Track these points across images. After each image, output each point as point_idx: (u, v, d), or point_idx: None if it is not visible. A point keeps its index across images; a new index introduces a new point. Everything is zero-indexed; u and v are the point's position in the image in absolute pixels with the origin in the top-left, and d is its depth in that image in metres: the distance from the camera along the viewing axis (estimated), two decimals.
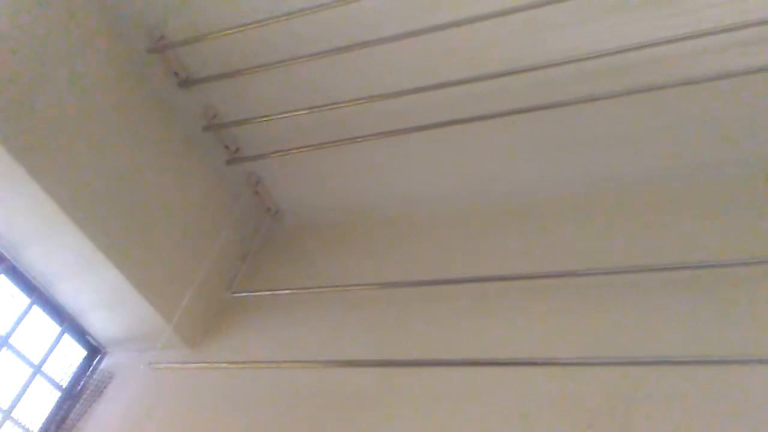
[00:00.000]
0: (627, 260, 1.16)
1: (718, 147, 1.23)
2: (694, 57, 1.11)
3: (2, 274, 1.33)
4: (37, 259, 1.32)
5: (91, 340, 1.51)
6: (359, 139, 1.36)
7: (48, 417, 1.40)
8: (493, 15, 1.09)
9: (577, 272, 1.15)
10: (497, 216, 1.42)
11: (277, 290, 1.44)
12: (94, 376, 1.48)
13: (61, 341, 1.44)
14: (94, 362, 1.52)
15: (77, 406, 1.42)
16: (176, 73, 1.34)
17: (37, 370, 1.38)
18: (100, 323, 1.47)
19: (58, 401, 1.42)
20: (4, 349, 1.32)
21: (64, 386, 1.44)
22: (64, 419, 1.40)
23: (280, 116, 1.36)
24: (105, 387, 1.45)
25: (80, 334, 1.48)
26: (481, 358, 1.09)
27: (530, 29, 1.14)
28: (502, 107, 1.23)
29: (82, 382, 1.47)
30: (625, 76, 1.15)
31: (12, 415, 1.33)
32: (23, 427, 1.35)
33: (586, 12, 1.09)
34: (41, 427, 1.38)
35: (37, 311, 1.40)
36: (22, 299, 1.37)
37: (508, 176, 1.42)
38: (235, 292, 1.45)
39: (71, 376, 1.46)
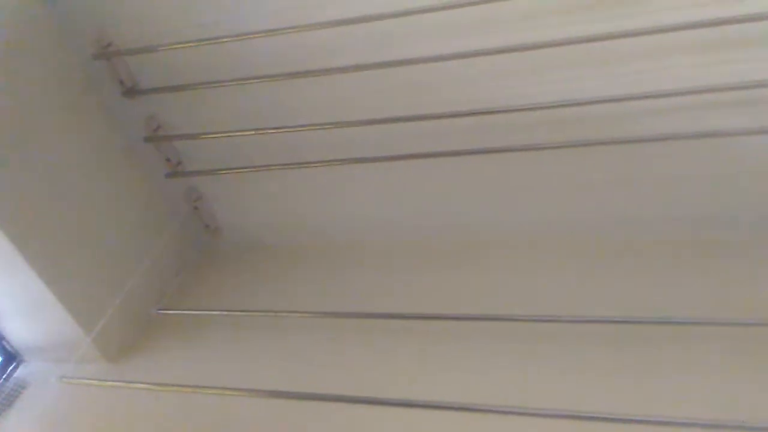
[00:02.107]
0: (559, 308, 1.15)
1: (652, 203, 1.26)
2: (631, 117, 1.13)
3: None
4: None
5: (7, 346, 1.45)
6: (306, 165, 1.36)
7: None
8: (449, 57, 1.10)
9: (513, 317, 1.15)
10: (439, 252, 1.42)
11: (206, 311, 1.41)
12: (7, 384, 1.42)
13: None
14: (9, 370, 1.45)
15: None
16: (122, 81, 1.31)
17: None
18: (18, 329, 1.41)
19: None
20: None
21: None
22: None
23: (225, 134, 1.35)
24: (17, 397, 1.39)
25: None
26: (411, 400, 1.07)
27: (485, 73, 1.15)
28: (452, 146, 1.23)
29: None
30: (575, 127, 1.16)
31: None
32: None
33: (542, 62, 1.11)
34: None
35: None
36: None
37: (453, 213, 1.41)
38: (163, 309, 1.41)
39: None
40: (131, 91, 1.32)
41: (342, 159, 1.33)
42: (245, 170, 1.40)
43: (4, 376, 1.44)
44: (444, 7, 1.04)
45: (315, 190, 1.46)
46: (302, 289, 1.44)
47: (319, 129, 1.28)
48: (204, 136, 1.37)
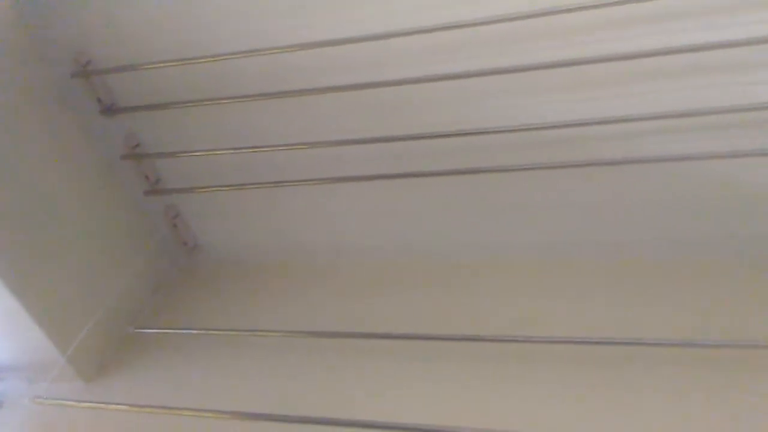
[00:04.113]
0: (534, 330, 1.16)
1: (630, 225, 1.27)
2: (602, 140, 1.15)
3: None
4: None
5: None
6: (285, 184, 1.36)
7: None
8: (430, 79, 1.11)
9: (497, 338, 1.16)
10: (420, 272, 1.42)
11: (184, 329, 1.40)
12: None
13: None
14: None
15: None
16: (100, 100, 1.31)
17: None
18: None
19: None
20: None
21: None
22: None
23: (204, 153, 1.35)
24: None
25: None
26: (395, 423, 1.05)
27: (466, 95, 1.16)
28: (432, 166, 1.24)
29: None
30: (557, 149, 1.18)
31: None
32: None
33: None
34: None
35: None
36: None
37: (434, 234, 1.42)
38: (140, 328, 1.40)
39: None
40: (110, 110, 1.32)
41: (321, 178, 1.33)
42: (224, 188, 1.40)
43: None
44: (424, 31, 1.05)
45: (294, 208, 1.46)
46: (281, 307, 1.44)
47: (297, 148, 1.29)
48: (183, 154, 1.37)
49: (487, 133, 1.16)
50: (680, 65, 1.03)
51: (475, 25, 1.02)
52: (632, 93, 1.08)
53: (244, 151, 1.32)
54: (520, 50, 1.07)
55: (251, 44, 1.16)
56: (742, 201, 1.18)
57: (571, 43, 1.04)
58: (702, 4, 0.96)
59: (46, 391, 1.29)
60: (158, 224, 1.54)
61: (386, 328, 1.24)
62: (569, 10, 0.97)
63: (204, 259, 1.62)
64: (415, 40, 1.07)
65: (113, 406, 1.25)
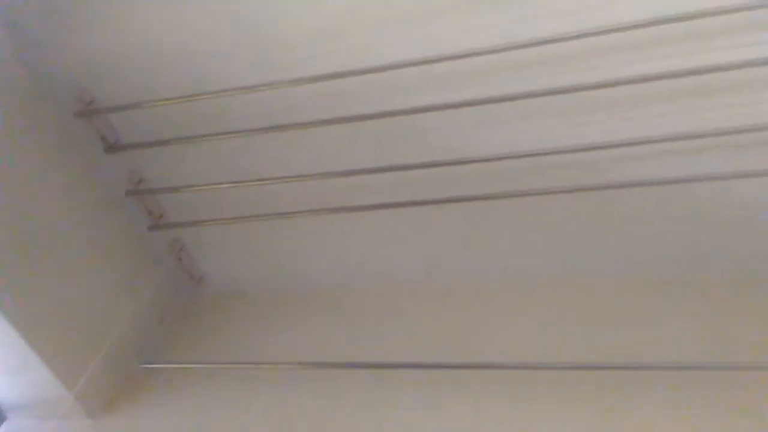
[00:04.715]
0: (525, 355, 1.17)
1: (620, 247, 1.28)
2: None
3: None
4: None
5: None
6: (287, 215, 1.37)
7: None
8: (425, 110, 1.12)
9: (497, 365, 1.16)
10: (423, 299, 1.42)
11: (191, 363, 1.40)
12: None
13: None
14: None
15: None
16: (103, 138, 1.33)
17: None
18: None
19: None
20: None
21: None
22: None
23: (207, 186, 1.36)
24: None
25: None
26: None
27: (461, 123, 1.17)
28: (430, 194, 1.25)
29: None
30: (547, 175, 1.19)
31: None
32: None
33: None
34: None
35: None
36: None
37: (435, 260, 1.43)
38: (146, 363, 1.41)
39: None
40: (113, 147, 1.34)
41: (321, 209, 1.34)
42: (227, 221, 1.41)
43: None
44: (418, 63, 1.06)
45: (297, 239, 1.47)
46: (286, 339, 1.44)
47: (298, 180, 1.30)
48: (186, 189, 1.38)
49: (485, 161, 1.17)
50: (672, 89, 1.03)
51: (468, 56, 1.04)
52: (624, 117, 1.09)
53: (246, 184, 1.33)
54: (512, 79, 1.08)
55: (251, 80, 1.17)
56: (735, 220, 1.18)
57: (564, 70, 1.05)
58: (701, 28, 0.97)
59: (54, 429, 1.30)
60: (163, 258, 1.55)
61: (391, 356, 1.25)
62: (564, 39, 0.99)
63: (209, 292, 1.63)
64: (409, 71, 1.08)
65: None
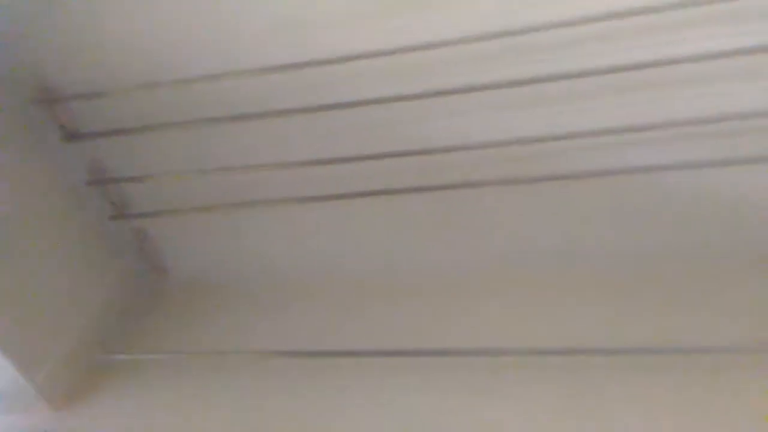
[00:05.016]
0: (506, 341, 1.18)
1: (586, 236, 1.32)
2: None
3: None
4: None
5: None
6: (252, 204, 1.37)
7: None
8: (394, 99, 1.14)
9: (469, 351, 1.18)
10: (390, 289, 1.43)
11: (155, 354, 1.39)
12: None
13: None
14: None
15: None
16: (63, 126, 1.30)
17: None
18: None
19: None
20: None
21: None
22: None
23: (169, 176, 1.36)
24: None
25: None
26: None
27: (429, 114, 1.18)
28: (400, 184, 1.26)
29: None
30: (515, 165, 1.21)
31: None
32: None
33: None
34: None
35: None
36: None
37: (404, 251, 1.44)
38: (110, 354, 1.39)
39: None
40: (73, 136, 1.32)
41: (287, 198, 1.34)
42: (191, 211, 1.41)
43: None
44: (386, 53, 1.08)
45: (262, 229, 1.47)
46: (251, 328, 1.44)
47: (263, 170, 1.30)
48: (149, 178, 1.37)
49: (448, 151, 1.19)
50: (631, 80, 1.07)
51: (439, 46, 1.06)
52: (597, 108, 1.12)
53: (210, 173, 1.33)
54: (485, 69, 1.10)
55: (215, 68, 1.17)
56: (705, 209, 1.23)
57: (537, 60, 1.08)
58: (670, 20, 1.00)
59: (16, 422, 1.28)
60: (126, 249, 1.54)
61: (356, 345, 1.26)
62: (538, 29, 1.01)
63: (173, 282, 1.62)
64: (379, 60, 1.09)
65: None
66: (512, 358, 1.17)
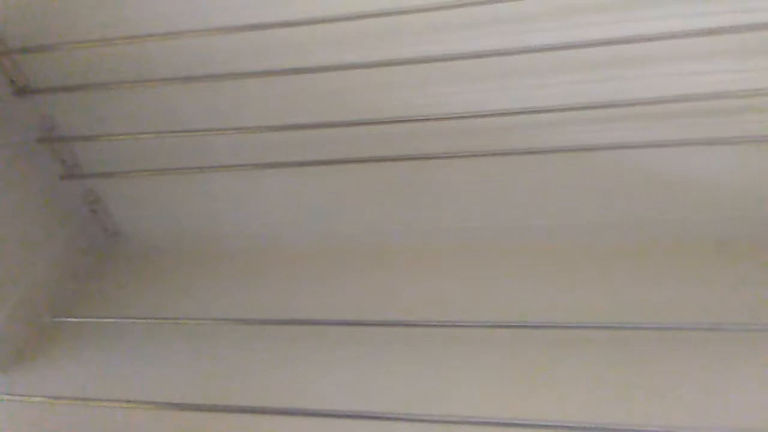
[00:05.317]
0: (457, 313, 1.19)
1: (541, 211, 1.33)
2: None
3: None
4: None
5: None
6: (208, 169, 1.34)
7: None
8: (354, 66, 1.12)
9: (413, 323, 1.18)
10: (345, 258, 1.43)
11: (104, 318, 1.36)
12: None
13: None
14: None
15: None
16: (12, 81, 1.25)
17: None
18: None
19: None
20: None
21: None
22: None
23: (125, 136, 1.31)
24: None
25: None
26: (323, 410, 1.07)
27: (391, 83, 1.17)
28: (357, 153, 1.25)
29: None
30: (473, 137, 1.21)
31: None
32: None
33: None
34: None
35: None
36: None
37: (360, 219, 1.43)
38: (58, 317, 1.36)
39: None
40: (23, 90, 1.26)
41: (246, 164, 1.32)
42: (146, 173, 1.37)
43: None
44: (351, 17, 1.05)
45: (218, 194, 1.44)
46: (205, 295, 1.42)
47: (221, 134, 1.27)
48: (102, 138, 1.33)
49: (413, 120, 1.18)
50: (600, 57, 1.07)
51: (402, 13, 1.03)
52: (552, 83, 1.12)
53: (167, 135, 1.30)
54: (447, 39, 1.09)
55: (175, 26, 1.13)
56: (656, 188, 1.24)
57: (497, 33, 1.07)
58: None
59: None
60: (77, 210, 1.49)
61: (312, 314, 1.25)
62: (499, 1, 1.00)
63: (126, 246, 1.58)
64: (342, 26, 1.07)
65: (31, 398, 1.22)
66: (462, 330, 1.18)
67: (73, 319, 1.37)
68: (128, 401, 1.16)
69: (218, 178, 1.38)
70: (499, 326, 1.16)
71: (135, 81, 1.22)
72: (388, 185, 1.35)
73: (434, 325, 1.18)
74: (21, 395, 1.24)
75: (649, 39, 1.01)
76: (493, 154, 1.21)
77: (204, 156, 1.33)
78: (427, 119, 1.17)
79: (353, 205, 1.41)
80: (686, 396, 1.03)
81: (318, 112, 1.21)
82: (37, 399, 1.21)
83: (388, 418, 1.04)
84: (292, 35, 1.11)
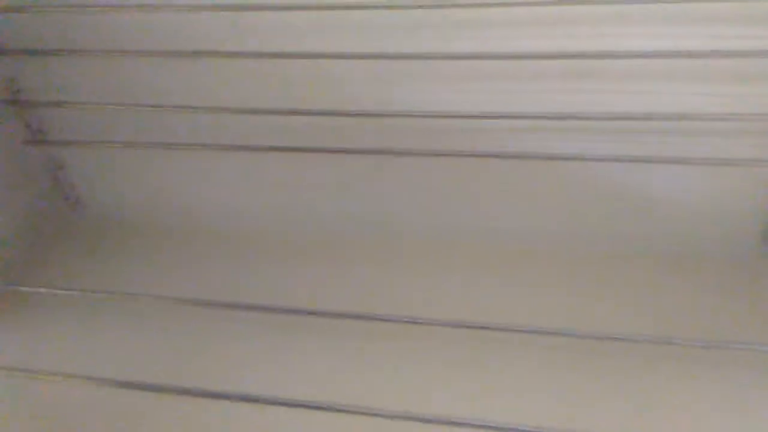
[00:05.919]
0: (423, 311, 1.17)
1: (502, 214, 1.34)
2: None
3: None
4: None
5: None
6: (176, 146, 1.32)
7: None
8: (328, 56, 1.12)
9: (377, 317, 1.15)
10: (307, 245, 1.42)
11: (58, 289, 1.33)
12: None
13: None
14: None
15: None
16: None
17: None
18: None
19: None
20: None
21: None
22: None
23: (93, 106, 1.29)
24: None
25: None
26: (274, 397, 1.02)
27: (365, 76, 1.17)
28: (323, 143, 1.25)
29: None
30: (439, 137, 1.21)
31: None
32: None
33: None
34: None
35: None
36: None
37: (322, 208, 1.43)
38: (10, 285, 1.33)
39: None
40: None
41: (213, 144, 1.31)
42: (113, 145, 1.35)
43: None
44: (339, 7, 1.05)
45: (184, 172, 1.42)
46: (166, 273, 1.40)
47: (194, 112, 1.26)
48: (71, 105, 1.30)
49: (390, 116, 1.18)
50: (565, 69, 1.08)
51: (391, 7, 1.04)
52: (527, 90, 1.13)
53: (138, 108, 1.27)
54: (434, 37, 1.09)
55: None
56: (624, 201, 1.26)
57: (489, 36, 1.07)
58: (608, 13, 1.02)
59: None
60: (39, 177, 1.46)
61: (274, 300, 1.24)
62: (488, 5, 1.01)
63: (88, 217, 1.55)
64: (330, 15, 1.07)
65: None
66: (416, 327, 1.16)
67: (26, 288, 1.33)
68: (70, 375, 1.11)
69: (188, 156, 1.36)
70: (457, 326, 1.16)
71: (109, 51, 1.20)
72: (357, 176, 1.35)
73: (382, 320, 1.17)
74: None
75: (627, 56, 1.03)
76: (461, 155, 1.21)
77: (174, 133, 1.32)
78: (398, 115, 1.17)
79: (321, 194, 1.40)
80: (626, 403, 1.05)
81: (291, 99, 1.20)
82: None
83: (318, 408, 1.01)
84: (275, 19, 1.10)
